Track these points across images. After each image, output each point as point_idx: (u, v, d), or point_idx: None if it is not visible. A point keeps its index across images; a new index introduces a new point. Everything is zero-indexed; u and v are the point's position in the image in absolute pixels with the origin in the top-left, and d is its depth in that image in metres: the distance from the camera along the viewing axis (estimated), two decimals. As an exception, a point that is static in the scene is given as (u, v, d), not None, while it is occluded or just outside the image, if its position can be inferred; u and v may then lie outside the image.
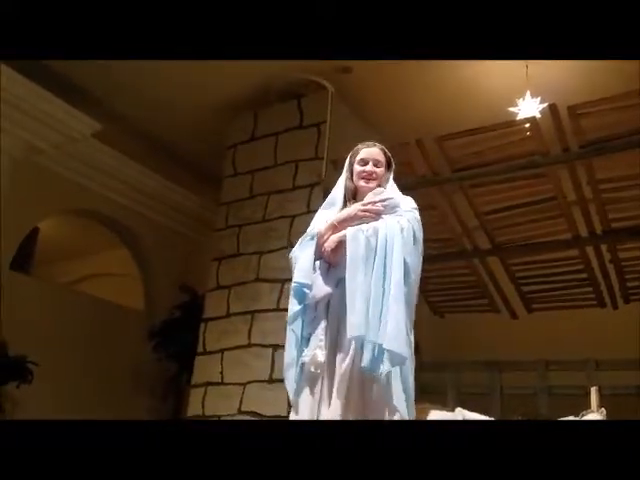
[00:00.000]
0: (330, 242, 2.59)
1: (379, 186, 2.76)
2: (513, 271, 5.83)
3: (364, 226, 2.56)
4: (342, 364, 2.41)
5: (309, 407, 2.43)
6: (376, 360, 2.32)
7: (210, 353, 5.80)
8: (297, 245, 2.72)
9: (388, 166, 2.82)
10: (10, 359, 5.48)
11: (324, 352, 2.46)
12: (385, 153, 2.82)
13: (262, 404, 5.25)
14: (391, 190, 2.77)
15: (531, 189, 5.01)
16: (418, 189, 4.67)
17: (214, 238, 6.38)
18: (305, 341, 2.53)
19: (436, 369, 5.43)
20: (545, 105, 4.95)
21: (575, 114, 4.37)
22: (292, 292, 2.58)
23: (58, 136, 6.16)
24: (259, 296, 5.69)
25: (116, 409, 6.05)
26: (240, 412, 5.36)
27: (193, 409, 5.70)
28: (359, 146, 2.84)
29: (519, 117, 5.20)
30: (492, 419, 4.11)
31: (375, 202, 2.65)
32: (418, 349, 2.52)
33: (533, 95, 5.36)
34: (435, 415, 4.09)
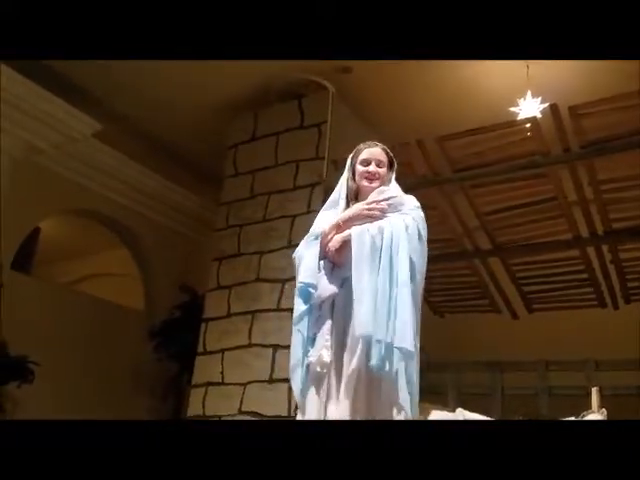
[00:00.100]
0: (334, 242, 2.59)
1: (381, 186, 2.75)
2: (514, 271, 5.82)
3: (369, 225, 2.56)
4: (349, 364, 2.40)
5: (316, 407, 2.42)
6: (385, 359, 2.32)
7: (210, 353, 5.80)
8: (300, 245, 2.71)
9: (390, 166, 2.81)
10: (11, 359, 5.48)
11: (330, 352, 2.46)
12: (387, 153, 2.81)
13: (262, 404, 5.25)
14: (394, 189, 2.77)
15: (532, 189, 5.01)
16: (418, 189, 4.65)
17: (214, 238, 6.38)
18: (310, 341, 2.52)
19: (437, 369, 5.42)
20: (546, 105, 4.95)
21: (576, 114, 4.37)
22: (297, 292, 2.57)
23: (58, 136, 6.16)
24: (260, 296, 5.69)
25: (116, 409, 6.05)
26: (240, 412, 5.36)
27: (193, 409, 5.70)
28: (361, 146, 2.83)
29: (520, 117, 5.20)
30: (492, 419, 4.10)
31: (379, 201, 2.64)
32: (423, 350, 2.52)
33: (534, 95, 5.36)
34: (436, 415, 4.08)
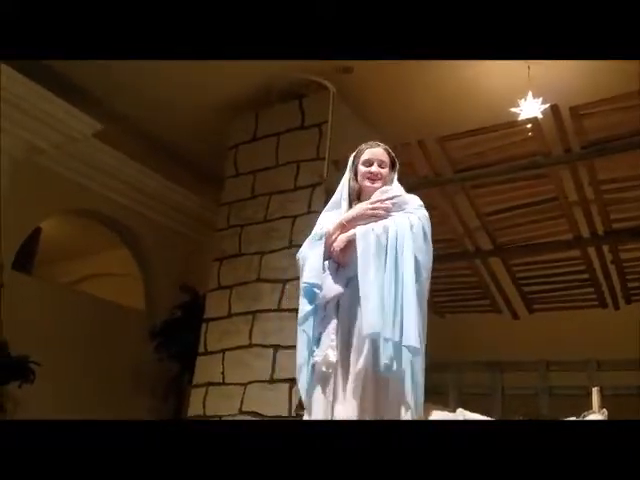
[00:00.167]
0: (339, 242, 2.58)
1: (384, 184, 2.75)
2: (514, 272, 5.82)
3: (373, 224, 2.55)
4: (356, 363, 2.40)
5: (322, 408, 2.42)
6: (393, 358, 2.32)
7: (211, 353, 5.80)
8: (304, 246, 2.70)
9: (392, 166, 2.81)
10: (12, 359, 5.48)
11: (336, 352, 2.46)
12: (389, 153, 2.81)
13: (263, 404, 5.25)
14: (397, 189, 2.77)
15: (533, 190, 5.01)
16: (419, 190, 4.66)
17: (215, 238, 6.38)
18: (315, 341, 2.52)
19: (437, 369, 5.41)
20: (547, 106, 4.95)
21: (577, 115, 4.37)
22: (302, 292, 2.57)
23: (59, 136, 6.16)
24: (260, 296, 5.69)
25: (117, 409, 6.05)
26: (241, 412, 5.36)
27: (194, 409, 5.70)
28: (362, 146, 2.82)
29: (521, 118, 5.20)
30: (493, 419, 4.10)
31: (383, 200, 2.64)
32: (426, 350, 2.52)
33: (535, 95, 5.36)
34: (436, 416, 4.08)
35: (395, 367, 2.33)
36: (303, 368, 2.51)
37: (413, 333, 2.34)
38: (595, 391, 3.97)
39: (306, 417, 2.51)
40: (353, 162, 2.82)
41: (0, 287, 5.67)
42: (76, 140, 6.28)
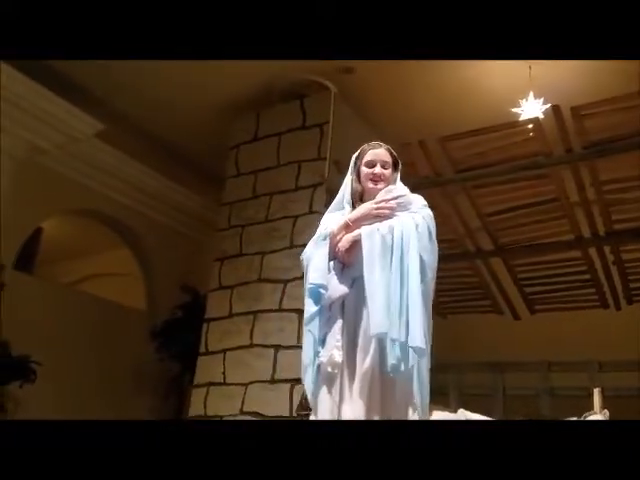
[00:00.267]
0: (344, 242, 2.57)
1: (387, 185, 2.74)
2: (516, 272, 5.82)
3: (378, 224, 2.54)
4: (363, 363, 2.40)
5: (329, 408, 2.41)
6: (400, 358, 2.32)
7: (212, 353, 5.80)
8: (308, 246, 2.69)
9: (395, 166, 2.79)
10: (13, 359, 5.49)
11: (341, 352, 2.45)
12: (391, 153, 2.78)
13: (264, 404, 5.25)
14: (401, 188, 2.76)
15: (534, 190, 5.00)
16: (420, 190, 4.65)
17: (216, 238, 6.38)
18: (321, 342, 2.51)
19: (438, 370, 5.40)
20: (548, 106, 4.95)
21: (578, 115, 4.36)
22: (307, 293, 2.55)
23: (60, 136, 6.17)
24: (261, 296, 5.69)
25: (118, 409, 6.06)
26: (242, 412, 5.36)
27: (195, 409, 5.70)
28: (365, 147, 2.80)
29: (522, 118, 5.20)
30: (494, 419, 4.09)
31: (388, 200, 2.63)
32: (431, 350, 2.52)
33: (536, 96, 5.36)
34: (437, 416, 4.08)
35: (402, 367, 2.32)
36: (309, 369, 2.50)
37: (419, 334, 2.34)
38: (596, 392, 3.97)
39: (312, 417, 2.51)
40: (355, 163, 2.79)
41: (1, 287, 5.67)
42: (77, 140, 6.29)
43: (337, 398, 2.41)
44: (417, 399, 2.38)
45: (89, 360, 6.57)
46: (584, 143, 4.50)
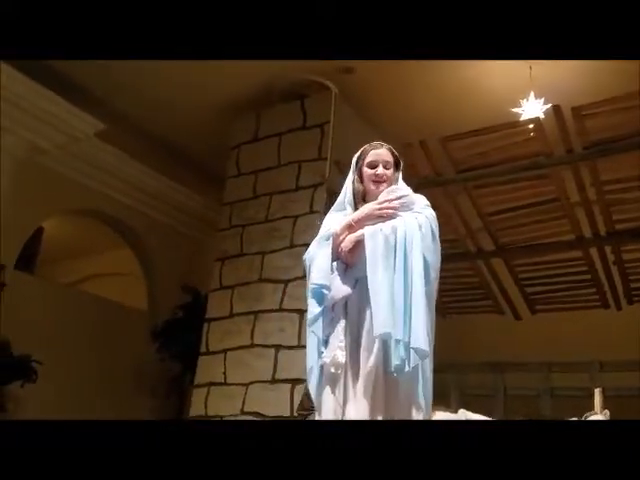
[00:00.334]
0: (347, 242, 2.56)
1: (389, 186, 2.73)
2: (517, 272, 5.82)
3: (382, 225, 2.54)
4: (367, 363, 2.39)
5: (332, 408, 2.41)
6: (404, 358, 2.32)
7: (213, 353, 5.80)
8: (311, 247, 2.67)
9: (396, 166, 2.78)
10: (14, 358, 5.49)
11: (344, 353, 2.45)
12: (393, 153, 2.77)
13: (265, 404, 5.25)
14: (404, 188, 2.75)
15: (535, 190, 5.00)
16: (421, 190, 4.65)
17: (217, 238, 6.38)
18: (324, 342, 2.51)
19: (439, 370, 5.40)
20: (549, 106, 4.94)
21: (579, 115, 4.36)
22: (310, 294, 2.54)
23: (61, 136, 6.17)
24: (262, 296, 5.69)
25: (119, 409, 6.06)
26: (243, 412, 5.36)
27: (196, 409, 5.70)
28: (366, 147, 2.79)
29: (523, 118, 5.20)
30: (494, 419, 4.09)
31: (391, 200, 2.63)
32: (434, 350, 2.51)
33: (537, 96, 5.35)
34: (438, 416, 4.07)
35: (406, 368, 2.32)
36: (313, 369, 2.50)
37: (422, 335, 2.33)
38: (597, 392, 3.96)
39: (316, 418, 2.51)
40: (357, 163, 2.78)
41: (2, 287, 5.68)
42: (78, 140, 6.29)
43: (341, 398, 2.41)
44: (421, 399, 2.38)
45: (90, 360, 6.57)
46: (585, 143, 4.50)
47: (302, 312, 5.21)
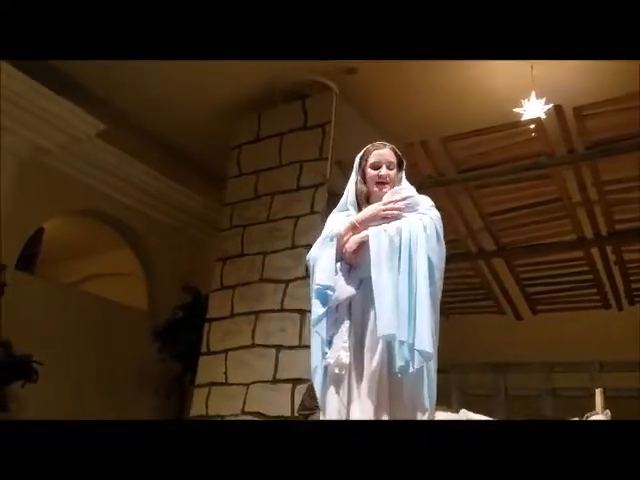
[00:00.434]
0: (351, 243, 2.55)
1: (392, 187, 2.72)
2: (518, 272, 5.82)
3: (386, 225, 2.53)
4: (371, 364, 2.39)
5: (336, 408, 2.41)
6: (407, 360, 2.32)
7: (214, 353, 5.80)
8: (314, 247, 2.66)
9: (399, 165, 2.76)
10: (15, 358, 5.49)
11: (348, 353, 2.44)
12: (395, 153, 2.76)
13: (265, 404, 5.25)
14: (409, 189, 2.74)
15: (536, 190, 5.00)
16: (423, 190, 4.65)
17: (218, 238, 6.38)
18: (328, 343, 2.50)
19: (440, 370, 5.41)
20: (550, 106, 4.94)
21: (581, 115, 4.36)
22: (314, 294, 2.53)
23: (63, 136, 6.17)
24: (263, 296, 5.69)
25: (119, 409, 6.06)
26: (244, 412, 5.36)
27: (197, 409, 5.70)
28: (369, 147, 2.77)
29: (524, 118, 5.19)
30: (496, 419, 4.09)
31: (396, 201, 2.62)
32: (438, 351, 2.51)
33: (538, 96, 5.35)
34: (439, 416, 4.07)
35: (411, 369, 2.32)
36: (318, 370, 2.49)
37: (426, 336, 2.33)
38: (598, 392, 3.96)
39: (321, 418, 2.51)
40: (360, 164, 2.76)
41: (3, 287, 5.68)
42: (80, 140, 6.29)
43: (345, 399, 2.41)
44: (426, 400, 2.38)
45: (91, 360, 6.57)
46: (586, 143, 4.50)
47: (303, 312, 5.21)
